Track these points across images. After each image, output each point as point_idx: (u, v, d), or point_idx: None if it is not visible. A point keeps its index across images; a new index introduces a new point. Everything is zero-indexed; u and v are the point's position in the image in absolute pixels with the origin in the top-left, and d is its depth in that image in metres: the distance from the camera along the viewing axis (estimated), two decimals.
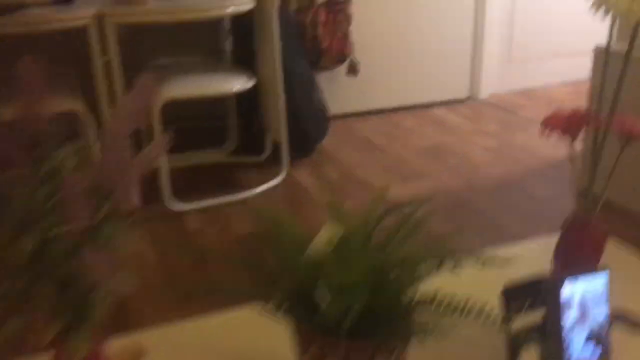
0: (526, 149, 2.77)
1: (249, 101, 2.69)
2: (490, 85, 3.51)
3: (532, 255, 0.95)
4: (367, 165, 2.64)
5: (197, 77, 2.22)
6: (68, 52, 2.12)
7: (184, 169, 2.62)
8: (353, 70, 3.10)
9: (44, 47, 2.55)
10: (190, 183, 2.51)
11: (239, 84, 2.23)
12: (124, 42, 2.66)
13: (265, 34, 2.33)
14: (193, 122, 2.94)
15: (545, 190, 2.32)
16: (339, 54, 3.02)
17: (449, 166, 2.62)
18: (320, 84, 3.05)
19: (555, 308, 0.69)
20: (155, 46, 2.70)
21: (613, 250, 0.82)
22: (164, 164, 2.13)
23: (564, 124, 0.72)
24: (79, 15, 1.86)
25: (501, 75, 3.53)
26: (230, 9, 2.13)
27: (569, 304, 0.69)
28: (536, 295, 0.70)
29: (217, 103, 2.75)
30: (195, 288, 1.81)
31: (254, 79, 2.31)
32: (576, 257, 0.77)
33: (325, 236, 0.68)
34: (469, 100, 3.47)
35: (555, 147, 2.76)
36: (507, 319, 0.73)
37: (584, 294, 0.70)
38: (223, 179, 2.56)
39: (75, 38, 2.00)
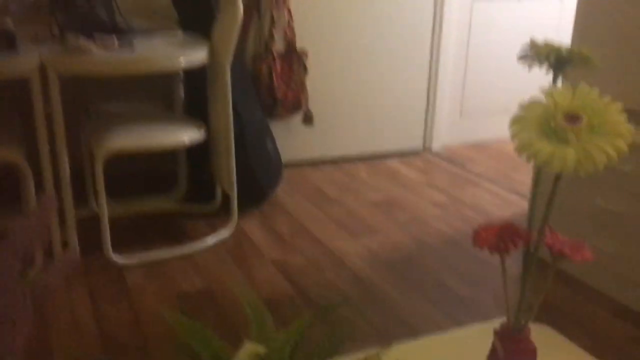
0: (475, 206, 2.81)
1: (199, 149, 2.65)
2: (443, 138, 3.57)
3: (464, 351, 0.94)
4: (319, 219, 2.63)
5: (145, 127, 2.17)
6: (11, 100, 2.05)
7: (129, 217, 2.54)
8: (308, 119, 3.11)
9: None
10: (134, 233, 2.44)
11: (188, 136, 2.20)
12: (70, 83, 2.60)
13: (217, 86, 2.31)
14: (139, 167, 2.88)
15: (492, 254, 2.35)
16: (294, 103, 3.03)
17: (400, 222, 2.62)
18: (275, 132, 3.05)
19: None
20: (103, 90, 2.65)
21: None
22: (104, 213, 2.06)
23: (495, 239, 0.72)
24: (22, 67, 1.80)
25: (453, 129, 3.60)
26: (183, 64, 2.11)
27: None
28: None
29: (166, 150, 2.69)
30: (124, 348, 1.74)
31: (205, 131, 2.28)
32: None
33: (243, 357, 0.65)
34: (422, 151, 3.52)
35: (503, 206, 2.81)
36: None
37: None
38: (170, 228, 2.49)
39: (16, 85, 1.93)
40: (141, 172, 2.91)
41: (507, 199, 2.90)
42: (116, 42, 2.12)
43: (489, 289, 2.12)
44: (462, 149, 3.60)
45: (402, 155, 3.45)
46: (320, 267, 2.23)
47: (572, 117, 0.59)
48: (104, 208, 2.07)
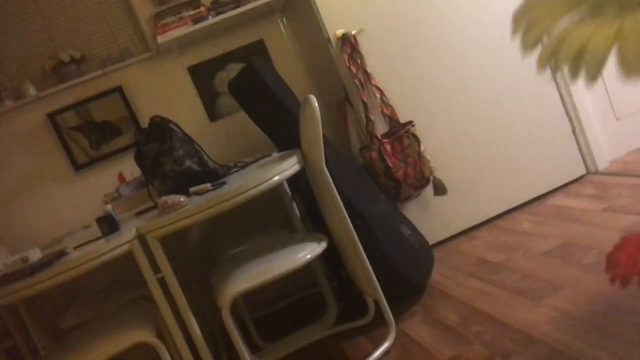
0: None
1: (336, 263, 2.44)
2: (606, 151, 3.00)
3: None
4: (488, 293, 2.21)
5: (262, 259, 2.02)
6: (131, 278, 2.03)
7: (287, 357, 2.35)
8: (440, 188, 2.79)
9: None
10: None
11: (309, 253, 2.00)
12: (187, 243, 2.61)
13: (322, 191, 2.13)
14: (287, 304, 2.73)
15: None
16: (419, 178, 2.74)
17: (587, 265, 2.12)
18: (411, 216, 2.76)
19: None
20: (230, 237, 2.61)
21: None
22: None
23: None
24: (121, 241, 1.77)
25: (614, 137, 3.03)
26: (276, 179, 1.97)
27: None
28: None
29: (304, 276, 2.53)
30: None
31: (325, 240, 2.08)
32: None
33: None
34: (587, 175, 2.97)
35: None
36: None
37: None
38: (330, 356, 2.24)
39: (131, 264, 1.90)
40: (290, 309, 2.77)
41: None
42: (209, 187, 2.06)
43: None
44: (636, 155, 2.99)
45: (565, 187, 2.94)
46: (506, 351, 1.80)
47: None
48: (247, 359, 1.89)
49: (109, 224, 1.92)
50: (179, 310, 1.89)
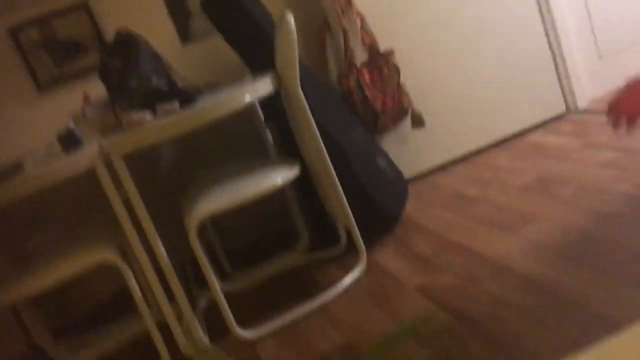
0: None
1: (309, 193, 2.38)
2: (588, 90, 2.95)
3: None
4: (462, 225, 2.19)
5: (232, 183, 1.95)
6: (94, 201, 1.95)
7: (257, 286, 2.32)
8: (418, 121, 2.72)
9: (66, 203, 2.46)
10: (264, 301, 2.19)
11: (280, 177, 1.93)
12: (158, 173, 2.52)
13: (297, 115, 2.04)
14: (259, 234, 2.68)
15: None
16: (397, 110, 2.67)
17: (564, 198, 2.09)
18: (389, 147, 2.70)
19: None
20: (197, 164, 2.52)
21: None
22: (216, 289, 1.83)
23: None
24: (84, 158, 1.68)
25: (596, 76, 2.97)
26: (248, 99, 1.88)
27: None
28: None
29: (276, 206, 2.48)
30: None
31: (299, 166, 2.01)
32: None
33: None
34: (567, 113, 2.93)
35: None
36: None
37: None
38: (299, 285, 2.21)
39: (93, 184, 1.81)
40: (262, 240, 2.72)
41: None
42: (177, 106, 1.96)
43: None
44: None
45: (544, 125, 2.90)
46: (476, 279, 1.79)
47: None
48: (215, 284, 1.84)
49: (70, 141, 1.81)
50: (146, 236, 1.82)
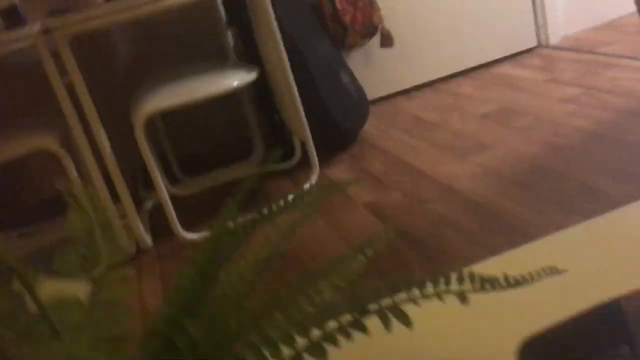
0: (616, 88, 2.18)
1: (269, 105, 2.32)
2: (562, 27, 2.90)
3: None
4: (418, 149, 2.17)
5: (186, 83, 1.87)
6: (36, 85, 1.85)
7: (208, 192, 2.29)
8: (387, 40, 2.64)
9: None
10: (213, 207, 2.16)
11: (236, 80, 1.86)
12: (113, 56, 2.41)
13: (261, 19, 1.95)
14: (216, 143, 2.63)
15: None
16: (367, 25, 2.58)
17: (521, 128, 2.09)
18: (354, 66, 2.63)
19: None
20: (153, 65, 2.42)
21: None
22: (160, 187, 1.79)
23: None
24: (25, 34, 1.57)
25: (573, 13, 2.92)
26: None
27: None
28: None
29: (235, 116, 2.42)
30: None
31: (256, 71, 1.93)
32: None
33: None
34: (538, 47, 2.89)
35: None
36: None
37: None
38: (248, 194, 2.19)
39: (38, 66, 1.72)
40: (217, 150, 2.67)
41: None
42: None
43: None
44: (590, 34, 2.91)
45: (513, 57, 2.86)
46: (423, 199, 1.79)
47: None
48: (160, 184, 1.80)
49: (13, 17, 1.69)
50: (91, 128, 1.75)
